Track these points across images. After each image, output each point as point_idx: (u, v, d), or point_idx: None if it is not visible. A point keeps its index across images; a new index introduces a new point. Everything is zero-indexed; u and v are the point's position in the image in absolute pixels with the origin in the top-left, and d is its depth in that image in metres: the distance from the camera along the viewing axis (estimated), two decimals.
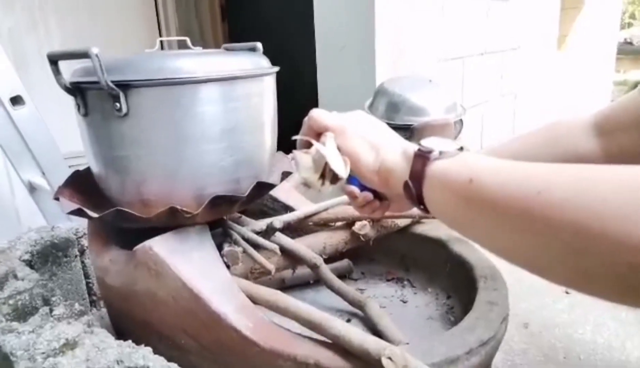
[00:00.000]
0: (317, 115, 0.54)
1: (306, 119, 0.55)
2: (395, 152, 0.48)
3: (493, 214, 0.38)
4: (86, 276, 1.03)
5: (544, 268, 0.37)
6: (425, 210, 0.46)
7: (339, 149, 0.51)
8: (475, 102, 2.08)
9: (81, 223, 0.97)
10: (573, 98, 2.97)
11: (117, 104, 0.62)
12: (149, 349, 0.63)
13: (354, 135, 0.51)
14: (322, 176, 0.51)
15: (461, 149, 0.44)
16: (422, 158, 0.44)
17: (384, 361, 0.53)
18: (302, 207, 0.94)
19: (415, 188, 0.44)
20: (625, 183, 0.31)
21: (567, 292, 1.17)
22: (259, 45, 0.79)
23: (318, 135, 0.53)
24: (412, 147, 0.47)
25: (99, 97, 0.65)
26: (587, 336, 0.99)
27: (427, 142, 0.45)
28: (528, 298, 1.13)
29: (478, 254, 0.84)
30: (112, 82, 0.61)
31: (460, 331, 0.64)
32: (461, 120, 1.29)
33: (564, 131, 0.71)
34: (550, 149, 0.69)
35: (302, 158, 0.52)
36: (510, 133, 2.45)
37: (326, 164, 0.50)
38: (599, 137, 0.67)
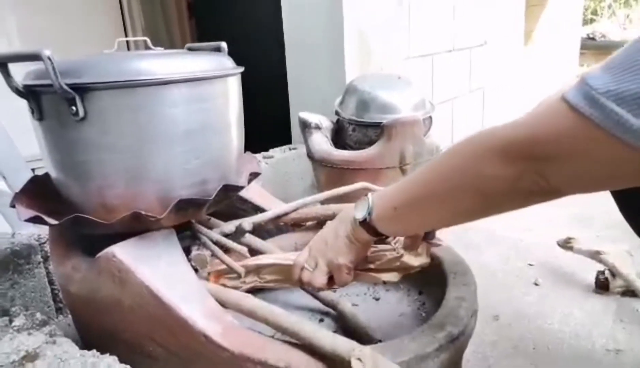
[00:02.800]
0: (307, 278, 0.67)
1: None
2: (348, 228, 0.65)
3: (422, 206, 0.59)
4: (51, 283, 1.00)
5: (466, 211, 0.55)
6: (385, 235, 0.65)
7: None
8: (445, 98, 2.11)
9: (45, 229, 0.94)
10: (539, 92, 3.04)
11: (73, 108, 0.60)
12: (115, 358, 0.62)
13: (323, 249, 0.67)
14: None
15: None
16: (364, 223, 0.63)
17: (354, 362, 0.53)
18: (272, 207, 0.93)
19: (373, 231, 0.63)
20: (464, 147, 0.53)
21: (536, 284, 1.19)
22: (224, 45, 0.78)
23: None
24: (351, 220, 0.65)
25: (53, 101, 0.62)
26: (555, 326, 1.01)
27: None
28: (498, 291, 1.15)
29: (448, 250, 0.85)
30: (67, 84, 0.59)
31: (429, 328, 0.65)
32: (430, 117, 1.30)
33: None
34: None
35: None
36: (480, 127, 2.49)
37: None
38: None
